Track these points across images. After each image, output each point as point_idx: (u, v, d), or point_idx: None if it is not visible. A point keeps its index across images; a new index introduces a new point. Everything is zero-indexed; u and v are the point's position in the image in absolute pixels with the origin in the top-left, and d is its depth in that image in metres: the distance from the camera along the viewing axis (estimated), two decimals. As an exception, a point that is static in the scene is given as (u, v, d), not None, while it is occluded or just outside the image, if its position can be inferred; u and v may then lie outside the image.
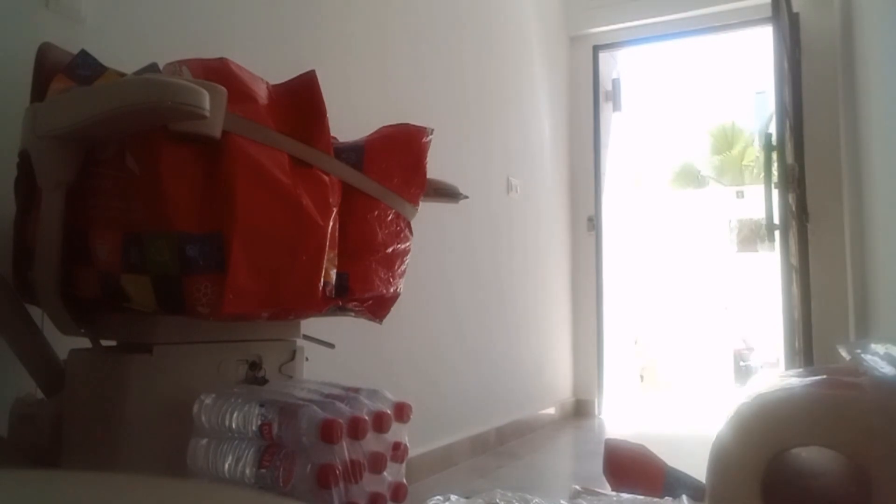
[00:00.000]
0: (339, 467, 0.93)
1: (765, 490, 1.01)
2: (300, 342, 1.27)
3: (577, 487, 1.45)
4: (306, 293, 1.05)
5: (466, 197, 1.59)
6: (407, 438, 1.11)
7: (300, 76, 1.12)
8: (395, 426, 1.07)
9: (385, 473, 1.04)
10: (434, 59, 2.74)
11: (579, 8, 4.25)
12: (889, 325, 2.39)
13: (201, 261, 0.95)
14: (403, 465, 1.10)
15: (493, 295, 3.16)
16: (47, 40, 1.13)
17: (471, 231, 2.97)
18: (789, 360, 2.86)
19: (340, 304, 1.19)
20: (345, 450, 0.95)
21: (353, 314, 1.28)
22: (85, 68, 1.06)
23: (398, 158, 1.24)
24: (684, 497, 1.26)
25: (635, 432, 3.60)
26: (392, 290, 1.25)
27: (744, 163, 12.46)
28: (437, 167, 1.37)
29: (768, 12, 3.01)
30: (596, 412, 4.12)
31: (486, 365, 3.07)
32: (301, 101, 1.10)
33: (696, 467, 1.30)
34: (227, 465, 0.96)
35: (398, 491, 1.07)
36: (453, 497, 1.26)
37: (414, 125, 1.29)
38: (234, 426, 0.97)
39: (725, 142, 12.77)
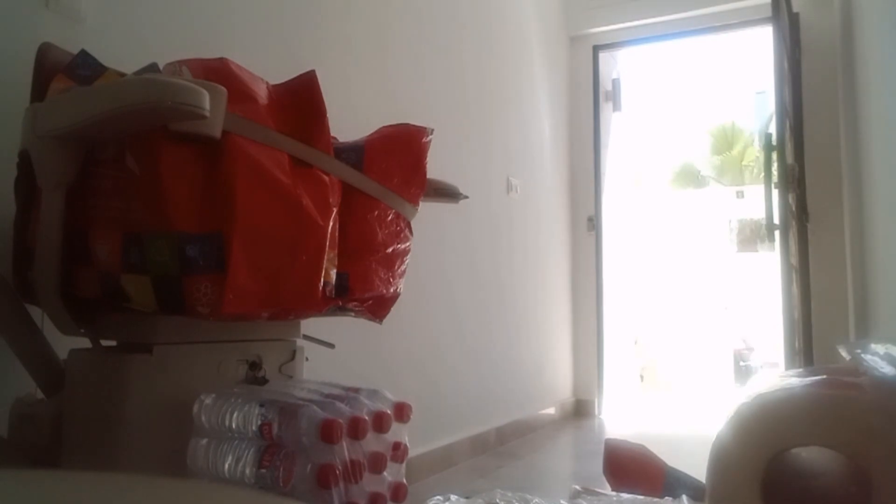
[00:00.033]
0: (339, 467, 0.93)
1: (765, 490, 1.01)
2: (300, 342, 1.27)
3: (577, 487, 1.45)
4: (306, 293, 1.05)
5: (466, 197, 1.59)
6: (407, 438, 1.11)
7: (300, 76, 1.12)
8: (395, 426, 1.07)
9: (385, 473, 1.04)
10: (434, 59, 2.74)
11: (579, 8, 4.25)
12: (889, 325, 2.39)
13: (201, 261, 0.95)
14: (403, 465, 1.10)
15: (493, 295, 3.16)
16: (47, 40, 1.13)
17: (471, 231, 2.97)
18: (789, 360, 2.86)
19: (340, 304, 1.19)
20: (345, 450, 0.95)
21: (353, 314, 1.28)
22: (85, 68, 1.06)
23: (398, 158, 1.24)
24: (684, 497, 1.26)
25: (635, 432, 3.60)
26: (392, 290, 1.25)
27: (744, 163, 12.46)
28: (437, 167, 1.37)
29: (768, 12, 3.01)
30: (596, 412, 4.12)
31: (486, 365, 3.07)
32: (301, 101, 1.10)
33: (696, 467, 1.30)
34: (227, 465, 0.96)
35: (398, 491, 1.07)
36: (453, 497, 1.26)
37: (414, 125, 1.29)
38: (234, 426, 0.97)
39: (725, 142, 12.77)
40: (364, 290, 1.19)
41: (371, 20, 2.35)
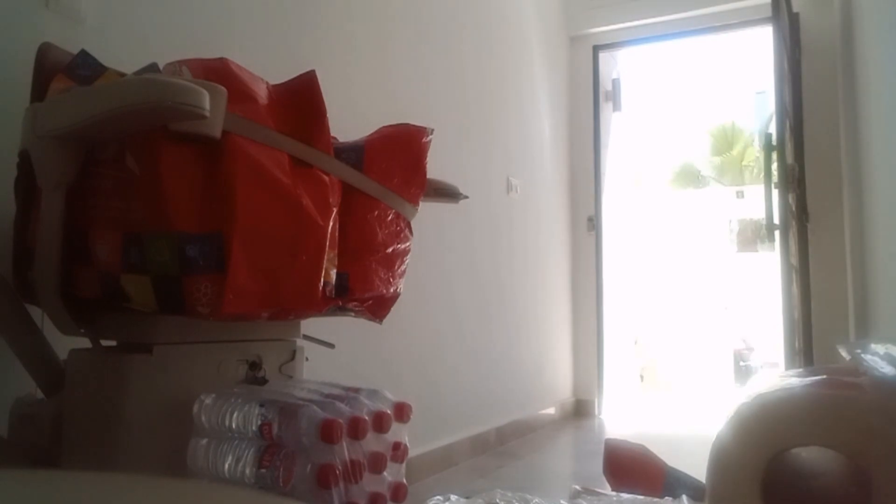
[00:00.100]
0: (339, 467, 0.93)
1: (765, 490, 1.01)
2: (300, 342, 1.27)
3: (577, 487, 1.45)
4: (306, 293, 1.05)
5: (466, 197, 1.59)
6: (407, 438, 1.11)
7: (300, 76, 1.12)
8: (395, 426, 1.07)
9: (385, 473, 1.04)
10: (434, 59, 2.74)
11: (579, 8, 4.25)
12: (889, 325, 2.39)
13: (201, 261, 0.95)
14: (403, 465, 1.10)
15: (493, 295, 3.16)
16: (47, 40, 1.13)
17: (471, 231, 2.97)
18: (789, 360, 2.86)
19: (340, 304, 1.19)
20: (345, 450, 0.95)
21: (353, 314, 1.28)
22: (85, 68, 1.06)
23: (398, 158, 1.24)
24: (684, 497, 1.26)
25: (635, 432, 3.60)
26: (392, 290, 1.25)
27: (744, 163, 12.45)
28: (437, 167, 1.37)
29: (768, 12, 3.01)
30: (596, 412, 4.12)
31: (486, 365, 3.07)
32: (301, 100, 1.10)
33: (696, 467, 1.30)
34: (227, 465, 0.96)
35: (398, 491, 1.07)
36: (453, 497, 1.26)
37: (414, 125, 1.29)
38: (234, 426, 0.97)
39: (725, 142, 12.76)
40: (364, 290, 1.19)
41: (371, 20, 2.35)
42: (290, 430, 0.94)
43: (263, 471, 0.93)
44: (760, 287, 8.32)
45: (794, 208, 3.10)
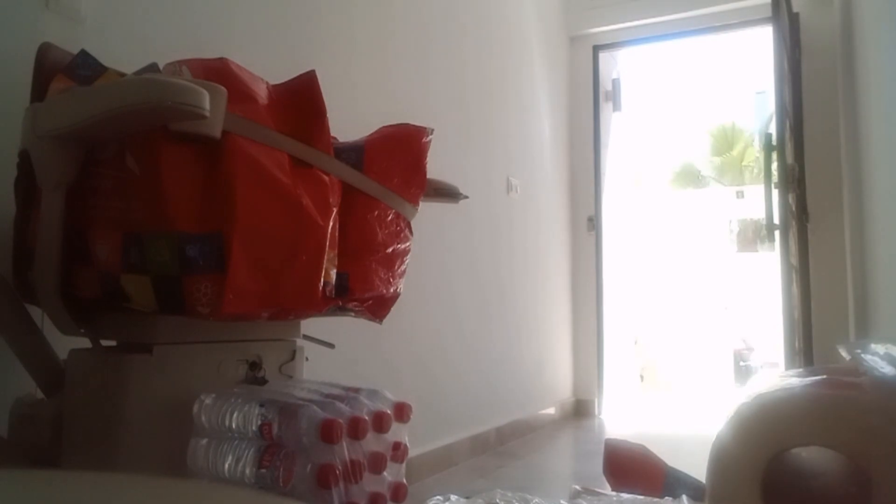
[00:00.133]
0: (339, 467, 0.93)
1: (765, 490, 1.01)
2: (300, 342, 1.27)
3: (577, 487, 1.45)
4: (306, 293, 1.05)
5: (466, 197, 1.59)
6: (407, 438, 1.11)
7: (300, 76, 1.12)
8: (395, 426, 1.07)
9: (385, 473, 1.04)
10: (434, 59, 2.74)
11: (579, 8, 4.25)
12: (889, 325, 2.39)
13: (201, 261, 0.95)
14: (403, 465, 1.10)
15: (493, 295, 3.16)
16: (47, 40, 1.13)
17: (471, 231, 2.97)
18: (789, 360, 2.86)
19: (340, 304, 1.19)
20: (345, 450, 0.95)
21: (353, 314, 1.28)
22: (85, 68, 1.06)
23: (398, 158, 1.24)
24: (684, 497, 1.26)
25: (635, 432, 3.60)
26: (392, 290, 1.25)
27: (744, 163, 12.45)
28: (437, 167, 1.37)
29: (768, 12, 3.01)
30: (596, 412, 4.12)
31: (487, 364, 3.07)
32: (301, 100, 1.10)
33: (696, 467, 1.30)
34: (227, 465, 0.96)
35: (398, 491, 1.07)
36: (453, 497, 1.26)
37: (414, 125, 1.29)
38: (234, 426, 0.97)
39: (725, 142, 12.76)
40: (364, 290, 1.19)
41: (371, 20, 2.35)
42: (290, 430, 0.94)
43: (263, 471, 0.93)
44: (760, 287, 8.32)
45: (794, 208, 3.10)
